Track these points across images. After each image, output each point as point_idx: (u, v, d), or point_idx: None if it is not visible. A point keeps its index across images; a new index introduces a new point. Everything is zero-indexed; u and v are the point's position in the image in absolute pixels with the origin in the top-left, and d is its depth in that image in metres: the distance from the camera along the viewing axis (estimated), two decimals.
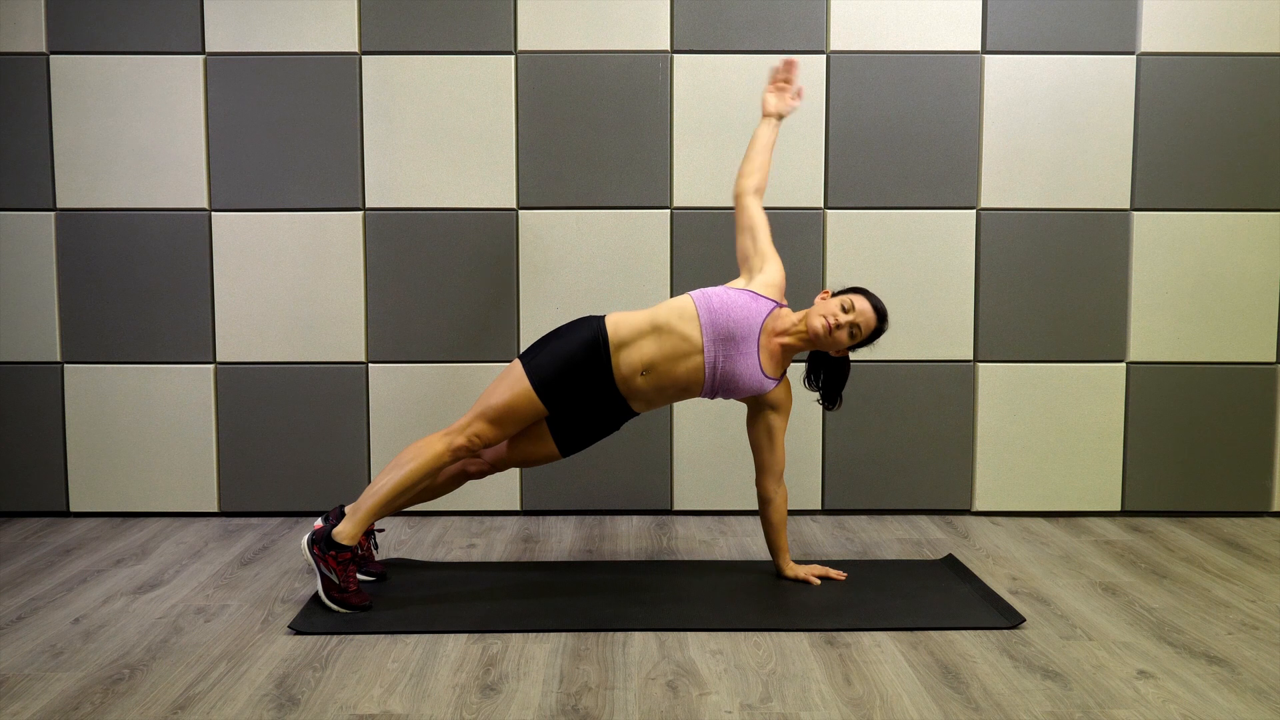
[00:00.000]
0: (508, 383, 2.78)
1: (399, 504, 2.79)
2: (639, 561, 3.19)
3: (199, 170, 3.61)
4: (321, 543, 2.69)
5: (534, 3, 3.57)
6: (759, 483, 2.92)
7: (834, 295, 2.85)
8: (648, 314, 2.81)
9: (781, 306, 2.86)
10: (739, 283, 2.89)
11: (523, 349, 3.64)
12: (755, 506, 3.69)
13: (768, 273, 2.87)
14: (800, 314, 2.84)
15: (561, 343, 2.80)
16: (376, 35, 3.58)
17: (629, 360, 2.75)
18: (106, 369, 3.65)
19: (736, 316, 2.74)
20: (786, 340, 2.81)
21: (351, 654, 2.42)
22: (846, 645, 2.48)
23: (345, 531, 2.69)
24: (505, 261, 3.64)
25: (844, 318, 2.76)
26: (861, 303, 2.79)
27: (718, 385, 2.79)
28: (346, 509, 2.82)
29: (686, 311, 2.77)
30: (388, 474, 2.74)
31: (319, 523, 2.89)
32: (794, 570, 2.96)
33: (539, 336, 3.60)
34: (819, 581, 2.94)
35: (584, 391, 2.78)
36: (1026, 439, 3.69)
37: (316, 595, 2.72)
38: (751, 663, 2.37)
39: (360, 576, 2.92)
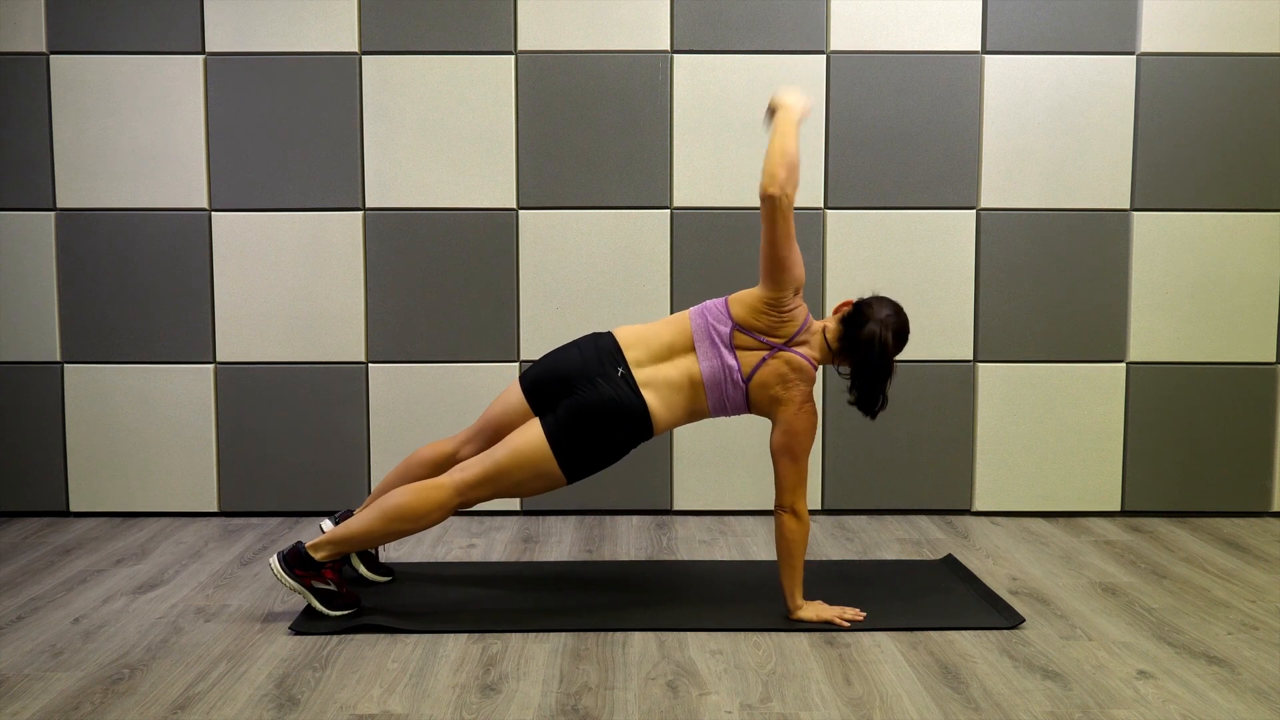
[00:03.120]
0: (535, 469, 2.58)
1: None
2: (639, 561, 3.19)
3: (199, 170, 3.61)
4: (300, 564, 2.57)
5: (534, 3, 3.57)
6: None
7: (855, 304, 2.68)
8: (679, 399, 2.63)
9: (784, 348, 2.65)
10: (746, 311, 2.65)
11: (523, 350, 3.65)
12: (755, 506, 3.70)
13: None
14: (817, 329, 2.69)
15: (606, 440, 2.59)
16: (376, 35, 3.58)
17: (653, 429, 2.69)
18: (106, 369, 3.65)
19: (737, 404, 2.67)
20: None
21: (351, 654, 2.42)
22: (846, 645, 2.48)
23: (325, 554, 2.59)
24: (505, 261, 3.64)
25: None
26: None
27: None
28: (337, 530, 2.63)
29: (705, 414, 2.69)
30: (387, 521, 2.57)
31: (327, 523, 2.90)
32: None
33: (538, 337, 3.63)
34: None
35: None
36: (1026, 439, 3.69)
37: (311, 610, 2.63)
38: (751, 663, 2.37)
39: (373, 576, 2.93)
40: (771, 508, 3.55)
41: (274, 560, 2.58)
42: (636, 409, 2.58)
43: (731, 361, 2.62)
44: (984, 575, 3.02)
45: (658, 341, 2.67)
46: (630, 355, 2.64)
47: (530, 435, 2.60)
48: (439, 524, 2.64)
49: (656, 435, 2.67)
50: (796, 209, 3.62)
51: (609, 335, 2.70)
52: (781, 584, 2.64)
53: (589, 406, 2.57)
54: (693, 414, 2.68)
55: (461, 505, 2.62)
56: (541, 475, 2.60)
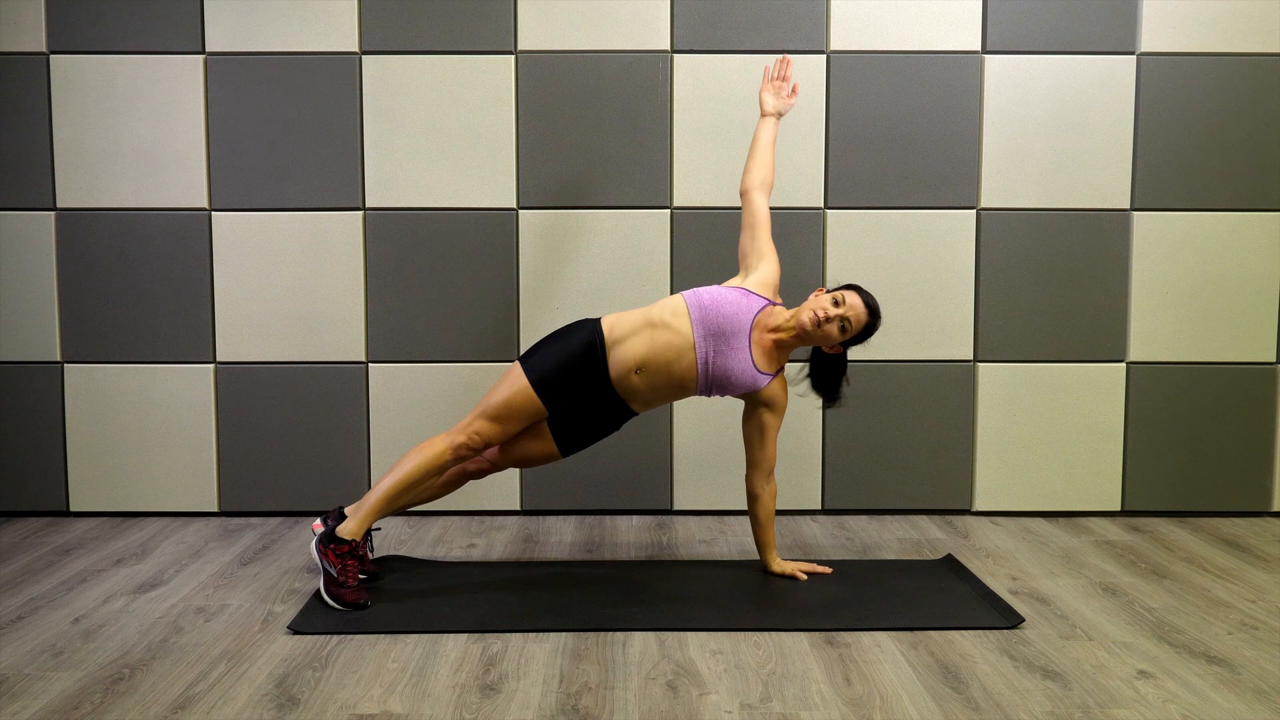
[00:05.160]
0: (507, 382, 2.83)
1: (402, 503, 2.83)
2: (639, 561, 3.19)
3: (199, 170, 3.61)
4: (324, 538, 2.73)
5: (534, 3, 3.57)
6: (748, 478, 2.96)
7: (828, 291, 2.86)
8: (641, 313, 2.85)
9: (775, 304, 2.87)
10: (734, 281, 2.92)
11: (523, 349, 3.65)
12: None
13: (762, 271, 2.89)
14: (793, 310, 2.86)
15: (559, 344, 2.85)
16: (376, 35, 3.58)
17: (623, 358, 2.79)
18: (106, 369, 3.65)
19: (727, 313, 2.77)
20: (779, 336, 2.83)
21: (351, 654, 2.42)
22: (846, 645, 2.48)
23: (348, 527, 2.75)
24: (505, 261, 3.64)
25: (833, 311, 2.77)
26: (852, 297, 2.80)
27: (712, 383, 2.81)
28: (348, 510, 2.85)
29: (678, 310, 2.81)
30: (390, 474, 2.78)
31: (318, 523, 2.94)
32: (780, 566, 3.00)
33: (539, 337, 3.63)
34: (805, 577, 2.96)
35: (581, 390, 2.81)
36: (1026, 439, 3.69)
37: (318, 591, 2.75)
38: (751, 663, 2.37)
39: None
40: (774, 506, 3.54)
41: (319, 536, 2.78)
42: (588, 320, 2.89)
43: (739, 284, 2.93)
44: (984, 575, 3.02)
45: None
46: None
47: (511, 367, 2.89)
48: (453, 462, 2.82)
49: (610, 345, 2.80)
50: (797, 208, 3.63)
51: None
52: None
53: (555, 330, 2.94)
54: (665, 314, 2.81)
55: (459, 445, 2.78)
56: (512, 384, 2.81)
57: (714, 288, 2.85)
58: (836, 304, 2.78)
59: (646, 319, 2.82)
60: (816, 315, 2.77)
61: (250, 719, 2.09)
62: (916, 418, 3.68)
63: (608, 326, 2.83)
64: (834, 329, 2.78)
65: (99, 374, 3.65)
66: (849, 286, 2.86)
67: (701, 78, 3.60)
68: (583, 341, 2.82)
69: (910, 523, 3.63)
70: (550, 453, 2.94)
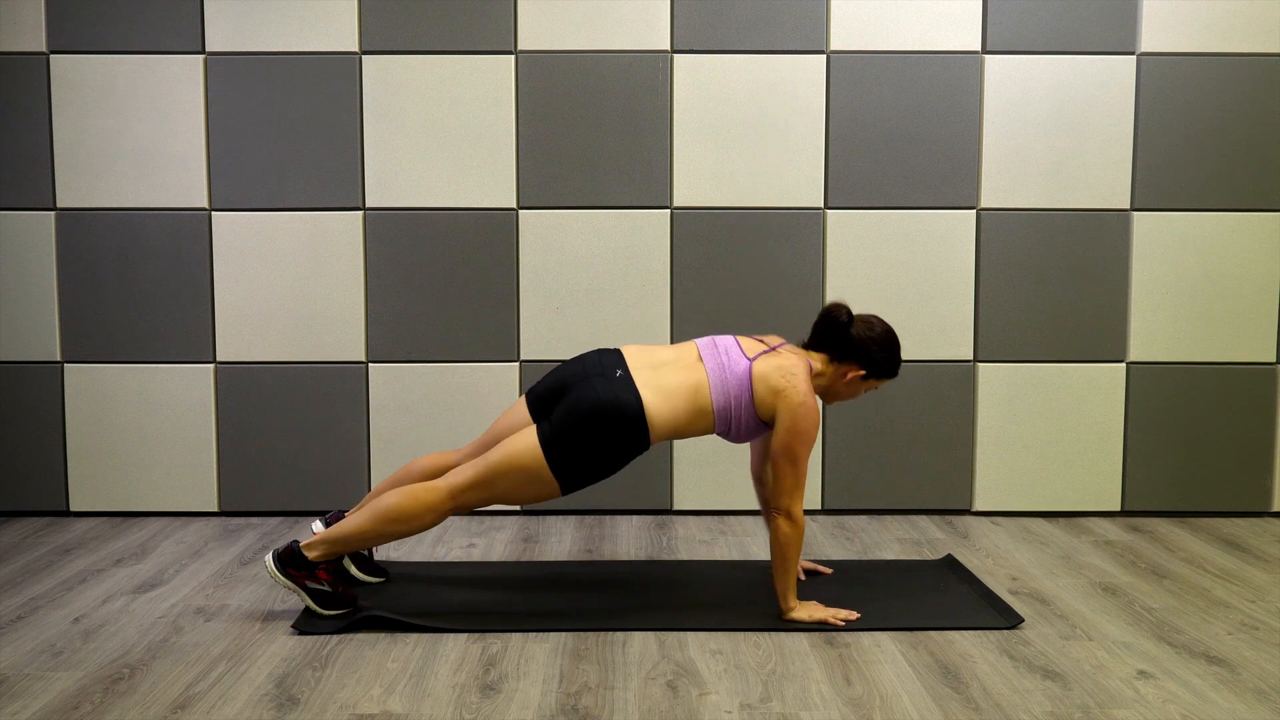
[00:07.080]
0: (527, 474, 2.54)
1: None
2: (639, 561, 3.19)
3: (199, 170, 3.61)
4: (294, 563, 2.55)
5: (534, 3, 3.57)
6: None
7: (864, 372, 2.69)
8: (674, 417, 2.59)
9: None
10: (773, 383, 2.60)
11: (523, 350, 3.65)
12: (755, 506, 3.69)
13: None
14: (820, 384, 2.72)
15: (601, 445, 2.54)
16: (376, 35, 3.59)
17: (655, 437, 2.64)
18: (106, 369, 3.65)
19: (750, 429, 2.67)
20: None
21: (351, 654, 2.42)
22: (846, 645, 2.48)
23: (318, 553, 2.57)
24: (505, 261, 3.64)
25: (866, 395, 2.82)
26: (884, 383, 2.77)
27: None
28: (330, 530, 2.64)
29: (708, 420, 2.65)
30: (379, 522, 2.56)
31: (318, 524, 2.90)
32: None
33: (538, 337, 3.62)
34: (804, 576, 2.94)
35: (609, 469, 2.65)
36: (1026, 439, 3.69)
37: (309, 611, 2.61)
38: (751, 663, 2.37)
39: (365, 578, 2.92)
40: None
41: (269, 559, 2.57)
42: (631, 407, 2.52)
43: (733, 350, 2.65)
44: (984, 575, 3.02)
45: (663, 353, 2.70)
46: (632, 361, 2.64)
47: (525, 440, 2.56)
48: (433, 527, 2.66)
49: (655, 440, 2.59)
50: (797, 208, 3.63)
51: (615, 349, 2.71)
52: (774, 585, 2.63)
53: (582, 406, 2.53)
54: (694, 416, 2.61)
55: (454, 510, 2.60)
56: (535, 482, 2.56)
57: (745, 409, 2.61)
58: (869, 391, 2.79)
59: (676, 428, 2.60)
60: (846, 400, 2.80)
61: (250, 719, 2.09)
62: (916, 418, 3.68)
63: (654, 432, 2.57)
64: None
65: (99, 374, 3.65)
66: (876, 327, 2.71)
67: (701, 78, 3.60)
68: (627, 439, 2.54)
69: (910, 523, 3.63)
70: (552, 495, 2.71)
